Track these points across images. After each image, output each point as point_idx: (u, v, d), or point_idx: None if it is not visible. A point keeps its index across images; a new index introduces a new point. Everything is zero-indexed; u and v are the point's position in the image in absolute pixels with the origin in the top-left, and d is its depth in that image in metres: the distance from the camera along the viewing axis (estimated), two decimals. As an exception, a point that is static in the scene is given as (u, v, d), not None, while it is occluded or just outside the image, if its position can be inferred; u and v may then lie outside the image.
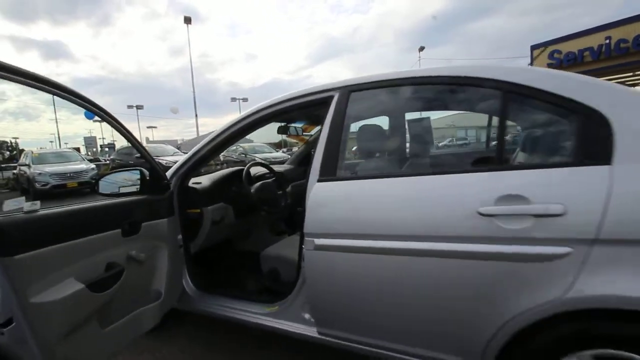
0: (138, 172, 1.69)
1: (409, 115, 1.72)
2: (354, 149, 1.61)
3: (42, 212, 1.16)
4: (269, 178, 2.44)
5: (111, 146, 31.83)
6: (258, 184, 2.17)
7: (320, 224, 1.35)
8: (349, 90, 1.46)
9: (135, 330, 1.51)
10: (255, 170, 2.43)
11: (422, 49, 28.41)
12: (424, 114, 1.66)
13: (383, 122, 1.73)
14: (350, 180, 1.38)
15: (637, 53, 9.77)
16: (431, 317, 1.19)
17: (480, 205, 1.07)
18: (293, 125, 2.53)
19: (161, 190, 1.71)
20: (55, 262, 1.15)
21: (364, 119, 1.64)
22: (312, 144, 3.08)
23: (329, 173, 1.40)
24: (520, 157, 1.19)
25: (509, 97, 1.15)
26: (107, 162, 15.60)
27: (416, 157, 1.52)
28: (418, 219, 1.17)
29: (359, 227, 1.26)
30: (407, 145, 1.71)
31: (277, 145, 21.42)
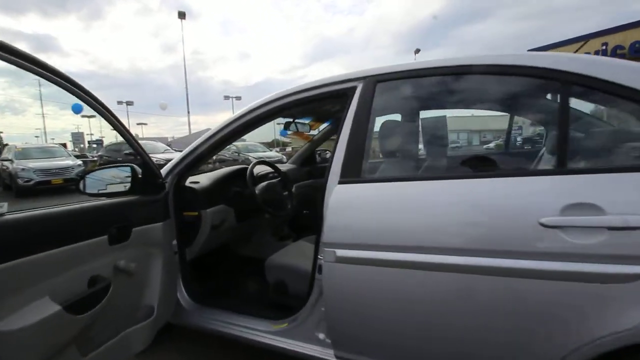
0: (129, 169, 1.48)
1: (449, 111, 1.54)
2: (379, 146, 1.43)
3: (9, 216, 0.94)
4: (272, 178, 2.24)
5: (99, 142, 31.11)
6: (263, 184, 1.97)
7: (343, 232, 1.17)
8: (375, 80, 1.28)
9: (123, 355, 1.30)
10: (258, 170, 2.23)
11: (417, 51, 28.27)
12: (463, 110, 1.49)
13: (416, 117, 1.55)
14: (380, 182, 1.20)
15: (633, 59, 9.83)
16: (482, 341, 1.02)
17: (543, 214, 0.91)
18: (300, 121, 2.34)
19: (155, 190, 1.50)
20: (25, 278, 0.94)
21: (393, 114, 1.46)
22: (316, 143, 2.89)
23: (352, 174, 1.22)
24: (587, 159, 1.03)
25: (573, 90, 0.98)
26: (95, 159, 15.12)
27: (461, 158, 1.35)
28: (463, 230, 1.00)
29: (392, 237, 1.08)
30: (449, 143, 1.54)
31: (269, 145, 21.16)
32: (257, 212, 2.06)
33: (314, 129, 2.63)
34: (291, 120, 2.24)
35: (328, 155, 3.61)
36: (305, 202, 2.47)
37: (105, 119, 1.28)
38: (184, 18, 23.53)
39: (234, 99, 32.81)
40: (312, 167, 2.89)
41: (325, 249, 1.20)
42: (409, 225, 1.07)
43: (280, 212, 1.99)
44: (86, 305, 1.08)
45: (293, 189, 2.37)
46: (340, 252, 1.16)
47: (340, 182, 1.23)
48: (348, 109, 1.31)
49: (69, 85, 1.09)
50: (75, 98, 1.15)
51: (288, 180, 2.25)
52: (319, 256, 1.35)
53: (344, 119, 1.31)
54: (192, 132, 29.03)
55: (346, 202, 1.18)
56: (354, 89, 1.33)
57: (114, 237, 1.23)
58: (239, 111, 1.58)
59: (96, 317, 1.12)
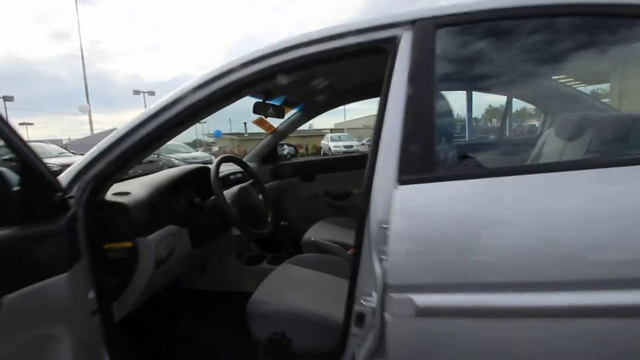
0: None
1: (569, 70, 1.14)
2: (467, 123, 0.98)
3: None
4: (237, 180, 1.64)
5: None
6: (234, 189, 1.38)
7: (429, 265, 0.70)
8: (434, 25, 0.84)
9: None
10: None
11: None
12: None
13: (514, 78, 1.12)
14: (479, 178, 0.75)
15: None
16: None
17: None
18: (274, 103, 1.77)
19: (50, 214, 0.83)
20: None
21: (468, 76, 1.02)
22: (281, 135, 2.34)
23: (421, 169, 0.76)
24: None
25: None
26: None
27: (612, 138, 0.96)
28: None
29: (529, 268, 0.65)
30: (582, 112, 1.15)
31: (192, 145, 19.30)
32: (223, 230, 1.44)
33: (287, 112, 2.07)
34: (262, 101, 1.66)
35: (286, 151, 3.07)
36: (277, 209, 1.92)
37: None
38: (78, -2, 19.94)
39: (146, 94, 29.14)
40: (275, 165, 2.34)
41: (393, 295, 0.71)
42: (552, 245, 0.65)
43: (262, 229, 1.40)
44: None
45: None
46: (424, 299, 0.69)
47: (402, 182, 0.75)
48: (392, 70, 0.84)
49: None
50: None
51: (262, 183, 1.64)
52: (362, 300, 0.86)
53: (388, 85, 0.84)
54: (95, 132, 25.12)
55: (428, 215, 0.72)
56: (394, 40, 0.87)
57: None
58: (202, 75, 0.98)
59: None
